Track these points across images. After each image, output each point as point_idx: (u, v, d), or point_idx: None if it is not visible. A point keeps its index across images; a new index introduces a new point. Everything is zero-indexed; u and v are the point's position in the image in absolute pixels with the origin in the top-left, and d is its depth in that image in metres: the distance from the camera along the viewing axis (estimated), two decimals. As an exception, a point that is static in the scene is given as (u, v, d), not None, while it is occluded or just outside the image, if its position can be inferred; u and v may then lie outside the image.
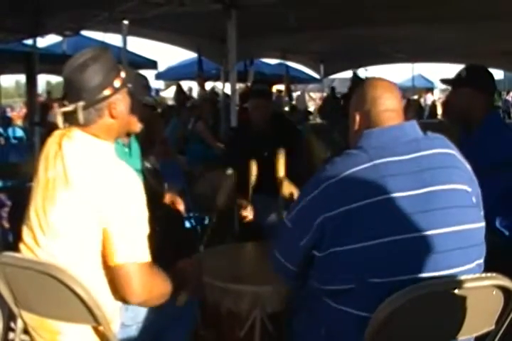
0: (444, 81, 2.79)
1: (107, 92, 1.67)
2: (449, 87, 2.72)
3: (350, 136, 1.75)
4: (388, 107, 1.68)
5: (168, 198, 3.03)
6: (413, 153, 1.57)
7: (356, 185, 1.53)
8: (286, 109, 11.38)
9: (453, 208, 1.54)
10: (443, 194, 1.53)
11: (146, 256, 1.61)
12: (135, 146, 2.81)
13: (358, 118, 1.72)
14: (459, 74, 2.54)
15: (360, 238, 1.50)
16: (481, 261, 1.59)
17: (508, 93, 17.97)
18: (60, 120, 1.67)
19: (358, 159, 1.57)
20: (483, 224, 1.61)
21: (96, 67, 1.65)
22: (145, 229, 1.63)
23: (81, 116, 1.65)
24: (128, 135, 2.72)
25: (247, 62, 9.00)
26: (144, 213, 1.64)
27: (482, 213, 1.65)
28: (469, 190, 1.59)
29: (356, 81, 9.09)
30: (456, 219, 1.53)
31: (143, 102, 2.65)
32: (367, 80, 1.82)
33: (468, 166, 1.65)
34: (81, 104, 1.64)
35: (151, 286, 1.62)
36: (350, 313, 1.54)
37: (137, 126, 2.65)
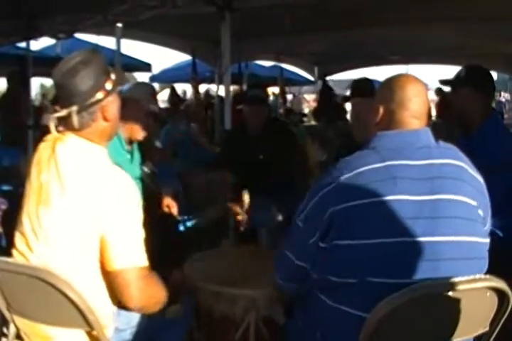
0: (443, 82, 2.75)
1: (99, 96, 1.66)
2: (443, 88, 2.70)
3: (370, 127, 1.73)
4: (414, 113, 1.66)
5: (163, 201, 3.03)
6: (425, 160, 1.57)
7: (365, 182, 1.54)
8: (281, 111, 11.37)
9: (458, 218, 1.54)
10: (450, 203, 1.54)
11: (144, 261, 1.61)
12: (136, 154, 2.83)
13: (381, 111, 1.70)
14: (457, 75, 2.51)
15: (363, 235, 1.51)
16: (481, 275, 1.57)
17: (500, 94, 18.04)
18: (52, 125, 1.66)
19: (370, 159, 1.58)
20: (487, 240, 1.61)
21: (87, 70, 1.64)
22: (141, 232, 1.63)
23: (75, 121, 1.64)
24: (131, 142, 2.74)
25: (241, 65, 8.97)
26: (140, 217, 1.64)
27: (487, 229, 1.64)
28: (475, 204, 1.58)
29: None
30: (460, 229, 1.53)
31: (149, 110, 2.67)
32: (398, 76, 1.74)
33: (479, 178, 1.64)
34: (74, 108, 1.63)
35: (150, 291, 1.62)
36: (346, 312, 1.54)
37: (141, 134, 2.67)
